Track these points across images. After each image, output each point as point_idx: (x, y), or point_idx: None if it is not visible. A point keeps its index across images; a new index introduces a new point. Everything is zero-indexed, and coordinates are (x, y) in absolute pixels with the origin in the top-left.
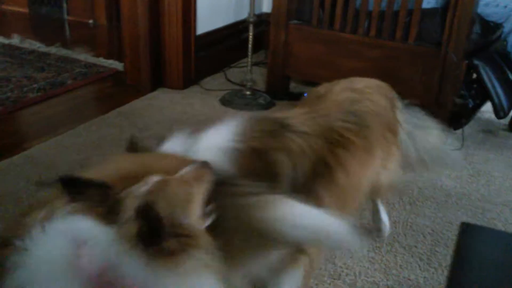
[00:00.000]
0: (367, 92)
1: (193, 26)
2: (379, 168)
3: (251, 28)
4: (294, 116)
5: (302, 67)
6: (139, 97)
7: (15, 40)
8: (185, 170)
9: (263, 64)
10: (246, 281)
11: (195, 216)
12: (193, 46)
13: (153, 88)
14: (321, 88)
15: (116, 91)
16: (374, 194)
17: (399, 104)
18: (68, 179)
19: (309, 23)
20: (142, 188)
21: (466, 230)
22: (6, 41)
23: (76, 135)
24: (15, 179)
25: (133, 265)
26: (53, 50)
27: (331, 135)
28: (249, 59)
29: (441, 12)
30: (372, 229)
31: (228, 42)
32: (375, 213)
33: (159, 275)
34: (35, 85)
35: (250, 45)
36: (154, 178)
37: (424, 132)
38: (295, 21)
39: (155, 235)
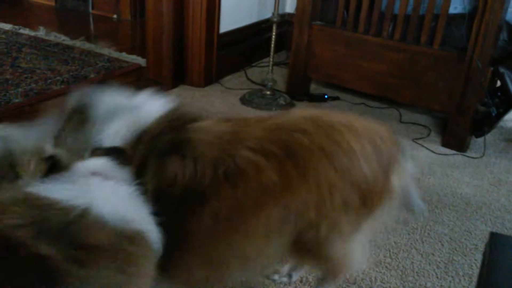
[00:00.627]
0: (334, 129)
1: (217, 24)
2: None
3: (274, 27)
4: (205, 126)
5: (324, 69)
6: (161, 93)
7: (41, 32)
8: None
9: (284, 64)
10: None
11: None
12: (215, 44)
13: (174, 85)
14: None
15: (138, 86)
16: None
17: (399, 164)
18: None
19: (333, 25)
20: None
21: (495, 240)
22: (32, 33)
23: None
24: None
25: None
26: (77, 43)
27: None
28: (271, 59)
29: (468, 17)
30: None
31: (250, 41)
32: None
33: None
34: (58, 78)
35: (272, 45)
36: None
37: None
38: (319, 22)
39: None
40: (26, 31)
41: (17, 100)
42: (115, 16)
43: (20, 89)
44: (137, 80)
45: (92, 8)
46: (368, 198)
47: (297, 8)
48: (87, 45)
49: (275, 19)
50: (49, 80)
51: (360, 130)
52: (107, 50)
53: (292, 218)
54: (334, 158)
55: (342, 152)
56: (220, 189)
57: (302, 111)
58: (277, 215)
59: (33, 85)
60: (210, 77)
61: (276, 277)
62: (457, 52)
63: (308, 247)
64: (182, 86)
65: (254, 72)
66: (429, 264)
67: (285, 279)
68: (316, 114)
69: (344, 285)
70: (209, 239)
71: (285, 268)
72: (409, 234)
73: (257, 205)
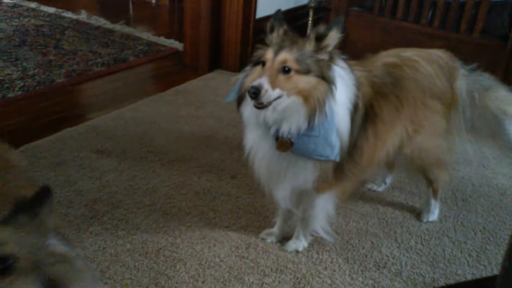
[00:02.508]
0: (412, 60)
1: (254, 9)
2: (408, 130)
3: (311, 13)
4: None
5: (359, 55)
6: (196, 77)
7: (83, 16)
8: None
9: None
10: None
11: None
12: (251, 30)
13: (210, 69)
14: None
15: (175, 70)
16: (414, 163)
17: (459, 73)
18: None
19: (370, 11)
20: None
21: None
22: (74, 16)
23: (135, 109)
24: (77, 147)
25: None
26: (117, 27)
27: (373, 87)
28: None
29: (511, 5)
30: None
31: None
32: (427, 199)
33: None
34: (99, 60)
35: (308, 30)
36: None
37: (487, 97)
38: (356, 8)
39: None
40: (68, 15)
41: (60, 80)
42: (154, 0)
43: (63, 70)
44: (174, 64)
45: None
46: (444, 102)
47: None
48: (126, 29)
49: (312, 4)
50: (90, 62)
51: (428, 56)
52: (145, 34)
53: (398, 129)
54: (419, 81)
55: (423, 76)
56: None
57: (387, 53)
58: (395, 128)
59: (75, 66)
60: (245, 62)
61: (374, 187)
62: (498, 41)
63: (411, 155)
64: (217, 70)
65: None
66: (461, 252)
67: (382, 186)
68: (395, 52)
69: (374, 268)
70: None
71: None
72: (441, 222)
73: (390, 120)
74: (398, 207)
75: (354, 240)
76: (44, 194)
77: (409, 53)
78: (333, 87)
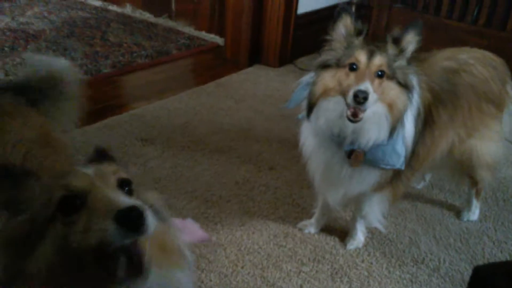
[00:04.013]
0: (468, 64)
1: (295, 5)
2: (461, 134)
3: (353, 9)
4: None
5: None
6: (236, 71)
7: (128, 9)
8: None
9: None
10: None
11: None
12: (292, 25)
13: (250, 64)
14: (426, 54)
15: (216, 64)
16: (464, 164)
17: (509, 75)
18: None
19: (414, 8)
20: None
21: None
22: (119, 9)
23: (178, 100)
24: (123, 134)
25: None
26: (160, 21)
27: (432, 93)
28: None
29: None
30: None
31: (327, 23)
32: (468, 198)
33: None
34: (143, 52)
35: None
36: None
37: None
38: (399, 5)
39: None
40: (114, 8)
41: (106, 71)
42: None
43: (108, 61)
44: (215, 58)
45: None
46: (498, 106)
47: None
48: (169, 23)
49: (355, 0)
50: (135, 54)
51: (483, 59)
52: (187, 28)
53: (451, 134)
54: (475, 87)
55: (479, 81)
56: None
57: (443, 55)
58: (449, 132)
59: (120, 58)
60: (285, 58)
61: (414, 183)
62: None
63: (461, 157)
64: (257, 65)
65: None
66: (501, 252)
67: (422, 183)
68: (452, 54)
69: (411, 263)
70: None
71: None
72: (481, 221)
73: (445, 125)
74: (437, 204)
75: (392, 235)
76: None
77: (465, 55)
78: (412, 97)
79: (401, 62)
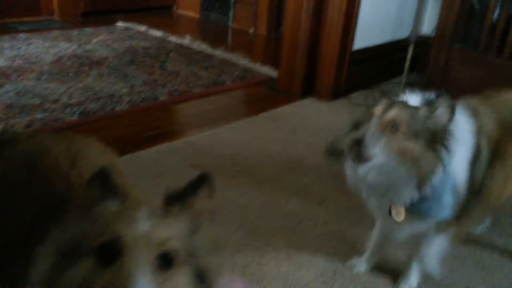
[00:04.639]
0: None
1: (351, 41)
2: None
3: (411, 47)
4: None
5: (460, 94)
6: (289, 103)
7: (187, 40)
8: None
9: (414, 85)
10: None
11: None
12: (347, 60)
13: (302, 96)
14: (493, 92)
15: (268, 96)
16: None
17: None
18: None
19: (475, 48)
20: None
21: None
22: (178, 40)
23: (231, 130)
24: (175, 160)
25: None
26: (217, 52)
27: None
28: (404, 79)
29: None
30: None
31: (381, 60)
32: None
33: None
34: (199, 82)
35: (407, 65)
36: None
37: None
38: (459, 44)
39: None
40: (173, 39)
41: (162, 98)
42: (252, 30)
43: (166, 89)
44: (268, 89)
45: (232, 22)
46: None
47: (437, 28)
48: (225, 55)
49: (413, 40)
50: (191, 83)
51: None
52: (242, 61)
53: None
54: None
55: None
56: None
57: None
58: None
59: (176, 86)
60: (338, 92)
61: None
62: None
63: None
64: (310, 98)
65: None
66: None
67: (480, 228)
68: None
69: None
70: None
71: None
72: None
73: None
74: (497, 250)
75: (447, 280)
76: (200, 181)
77: None
78: (445, 159)
79: (434, 125)
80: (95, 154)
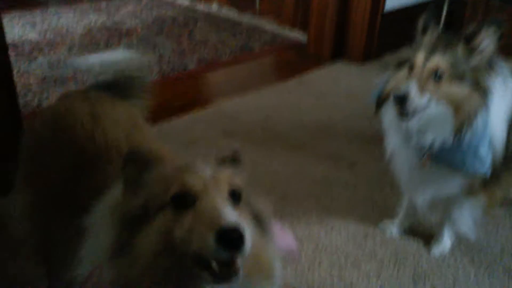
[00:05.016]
0: None
1: (383, 2)
2: None
3: (445, 6)
4: None
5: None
6: (319, 67)
7: (214, 8)
8: None
9: None
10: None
11: None
12: (378, 22)
13: (333, 60)
14: None
15: (298, 61)
16: None
17: None
18: None
19: None
20: None
21: None
22: (206, 8)
23: (260, 96)
24: (207, 127)
25: None
26: (245, 18)
27: None
28: None
29: None
30: None
31: (414, 21)
32: None
33: None
34: (227, 49)
35: (441, 23)
36: None
37: None
38: (498, 0)
39: None
40: (201, 7)
41: (192, 67)
42: None
43: (194, 57)
44: (297, 54)
45: None
46: None
47: None
48: (253, 20)
49: None
50: (219, 51)
51: None
52: (270, 26)
53: None
54: None
55: None
56: None
57: None
58: None
59: (205, 55)
60: (369, 54)
61: None
62: None
63: None
64: (340, 61)
65: None
66: None
67: None
68: None
69: (503, 274)
70: None
71: None
72: None
73: None
74: None
75: (482, 242)
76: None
77: None
78: (488, 99)
79: (477, 62)
80: (119, 114)
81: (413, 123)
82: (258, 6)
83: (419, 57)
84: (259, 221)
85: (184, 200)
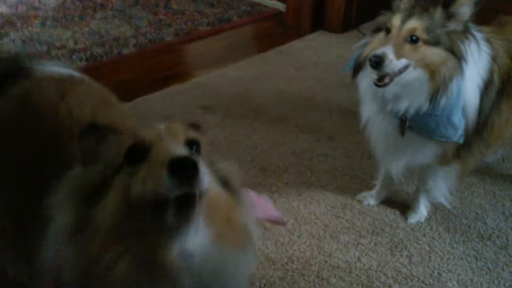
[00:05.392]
0: None
1: None
2: None
3: None
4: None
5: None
6: (298, 38)
7: None
8: None
9: None
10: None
11: None
12: None
13: (312, 30)
14: (507, 18)
15: (277, 31)
16: None
17: None
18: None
19: None
20: None
21: None
22: None
23: (238, 68)
24: (184, 102)
25: None
26: None
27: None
28: None
29: None
30: None
31: None
32: None
33: None
34: (205, 19)
35: None
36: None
37: None
38: None
39: None
40: None
41: (169, 38)
42: None
43: (171, 29)
44: (276, 24)
45: None
46: None
47: None
48: None
49: None
50: (197, 22)
51: None
52: None
53: None
54: None
55: None
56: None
57: None
58: None
59: (182, 26)
60: (348, 23)
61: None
62: None
63: None
64: (319, 31)
65: None
66: None
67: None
68: None
69: (477, 239)
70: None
71: None
72: None
73: None
74: (507, 179)
75: (457, 210)
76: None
77: None
78: (463, 64)
79: (453, 26)
80: (88, 92)
81: (389, 89)
82: None
83: (396, 21)
84: (226, 184)
85: (138, 154)
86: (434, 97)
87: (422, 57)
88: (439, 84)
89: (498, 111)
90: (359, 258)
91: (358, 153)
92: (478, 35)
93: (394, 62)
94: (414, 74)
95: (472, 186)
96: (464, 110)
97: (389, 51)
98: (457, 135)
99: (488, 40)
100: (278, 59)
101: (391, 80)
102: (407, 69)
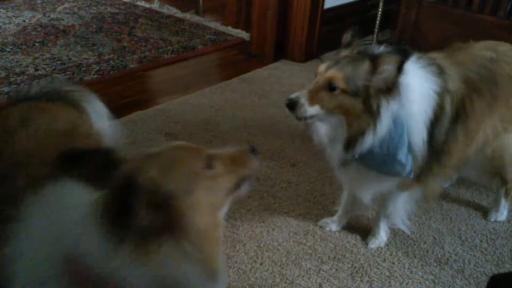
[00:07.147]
0: (509, 55)
1: (322, 0)
2: (497, 128)
3: (381, 3)
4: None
5: (431, 49)
6: (261, 66)
7: (155, 5)
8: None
9: (387, 42)
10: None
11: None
12: (318, 20)
13: (275, 59)
14: (462, 44)
15: (241, 59)
16: (494, 162)
17: None
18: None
19: (444, 2)
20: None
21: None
22: (147, 5)
23: (202, 95)
24: (147, 129)
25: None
26: (187, 16)
27: (467, 82)
28: (375, 36)
29: None
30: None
31: (353, 19)
32: (497, 198)
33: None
34: (169, 47)
35: (377, 21)
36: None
37: None
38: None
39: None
40: (142, 3)
41: (132, 66)
42: None
43: (135, 56)
44: (240, 53)
45: None
46: None
47: None
48: (196, 18)
49: None
50: (161, 49)
51: None
52: (214, 24)
53: (488, 126)
54: None
55: None
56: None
57: (482, 45)
58: (486, 125)
59: (146, 53)
60: (311, 53)
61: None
62: None
63: (492, 154)
64: (283, 60)
65: None
66: None
67: (448, 182)
68: (491, 45)
69: (435, 264)
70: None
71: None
72: (509, 222)
73: (481, 117)
74: (463, 204)
75: (415, 234)
76: None
77: (505, 47)
78: (377, 123)
79: (375, 83)
80: (54, 120)
81: (324, 130)
82: (201, 4)
83: (321, 68)
84: None
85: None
86: (351, 144)
87: (338, 105)
88: (354, 134)
89: (455, 137)
90: (320, 285)
91: (320, 179)
92: (429, 68)
93: (305, 108)
94: (333, 120)
95: (430, 211)
96: (410, 147)
97: (302, 97)
98: (406, 171)
99: (440, 69)
100: (242, 87)
101: (306, 119)
102: (323, 114)
